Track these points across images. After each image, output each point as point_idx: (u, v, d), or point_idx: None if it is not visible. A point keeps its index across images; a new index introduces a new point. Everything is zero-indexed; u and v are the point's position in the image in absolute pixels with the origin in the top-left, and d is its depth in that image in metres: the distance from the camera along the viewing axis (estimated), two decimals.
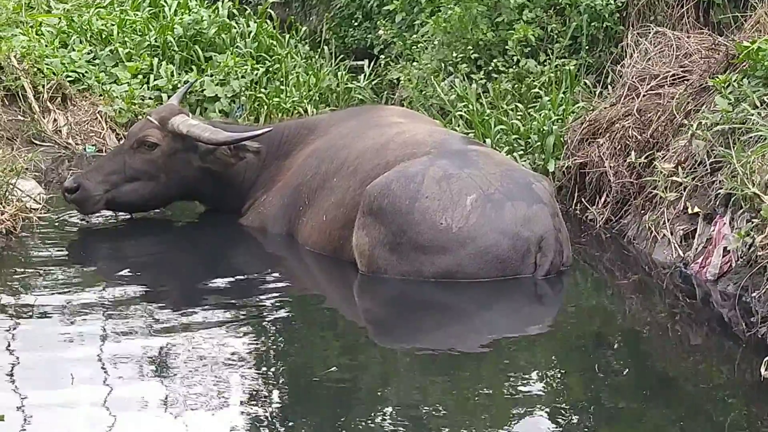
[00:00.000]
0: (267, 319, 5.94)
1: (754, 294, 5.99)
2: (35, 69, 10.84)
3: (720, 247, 6.52)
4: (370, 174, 6.74)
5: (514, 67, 10.13)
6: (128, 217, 8.19)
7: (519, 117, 9.40)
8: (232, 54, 11.78)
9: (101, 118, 10.98)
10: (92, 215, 7.99)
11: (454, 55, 10.45)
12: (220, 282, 6.73)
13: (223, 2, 12.74)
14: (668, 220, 7.22)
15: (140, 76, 11.40)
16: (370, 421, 4.60)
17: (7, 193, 7.56)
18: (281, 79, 11.89)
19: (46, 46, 11.39)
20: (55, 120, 10.81)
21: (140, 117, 10.30)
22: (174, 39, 11.81)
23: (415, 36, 11.45)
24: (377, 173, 6.66)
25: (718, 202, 6.79)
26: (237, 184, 8.02)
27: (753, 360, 5.22)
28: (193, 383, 4.91)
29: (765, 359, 4.94)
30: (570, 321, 6.33)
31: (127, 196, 7.90)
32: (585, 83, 9.81)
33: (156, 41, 11.86)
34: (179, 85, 10.87)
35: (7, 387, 4.82)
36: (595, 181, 8.33)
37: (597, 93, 9.48)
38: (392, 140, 7.08)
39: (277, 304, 6.26)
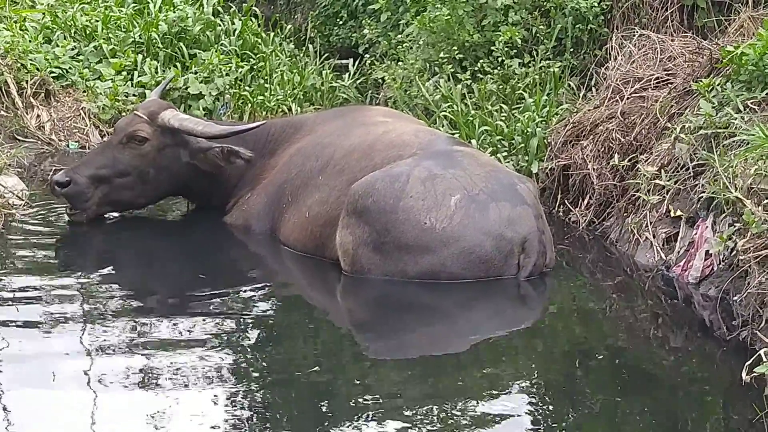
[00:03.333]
0: (248, 318, 5.92)
1: (735, 297, 6.02)
2: (19, 64, 10.79)
3: (702, 251, 6.55)
4: (357, 176, 6.73)
5: (499, 68, 10.13)
6: (111, 214, 8.14)
7: (503, 118, 9.40)
8: (216, 51, 11.75)
9: (84, 114, 10.93)
10: (87, 218, 7.74)
11: (440, 55, 10.44)
12: (201, 282, 6.71)
13: None
14: (651, 222, 7.25)
15: (124, 73, 11.36)
16: (350, 422, 4.59)
17: None
18: (266, 77, 11.87)
19: (30, 41, 11.32)
20: (38, 116, 10.76)
21: (123, 114, 10.26)
22: (158, 36, 11.77)
23: (400, 36, 11.44)
24: (364, 175, 6.65)
25: (700, 206, 6.82)
26: (223, 181, 7.98)
27: (734, 363, 5.25)
28: (174, 382, 4.90)
29: (746, 363, 4.95)
30: (552, 322, 6.35)
31: (117, 192, 7.80)
32: (569, 85, 9.82)
33: (140, 38, 11.82)
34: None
35: None
36: (579, 183, 8.35)
37: (581, 95, 9.49)
38: (379, 140, 7.08)
39: (259, 303, 6.25)
